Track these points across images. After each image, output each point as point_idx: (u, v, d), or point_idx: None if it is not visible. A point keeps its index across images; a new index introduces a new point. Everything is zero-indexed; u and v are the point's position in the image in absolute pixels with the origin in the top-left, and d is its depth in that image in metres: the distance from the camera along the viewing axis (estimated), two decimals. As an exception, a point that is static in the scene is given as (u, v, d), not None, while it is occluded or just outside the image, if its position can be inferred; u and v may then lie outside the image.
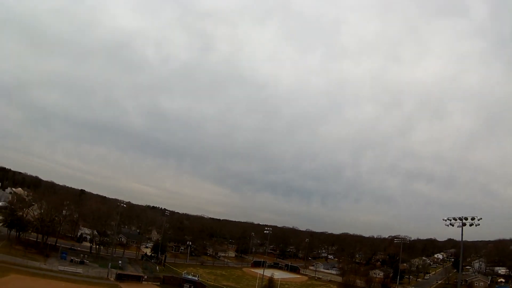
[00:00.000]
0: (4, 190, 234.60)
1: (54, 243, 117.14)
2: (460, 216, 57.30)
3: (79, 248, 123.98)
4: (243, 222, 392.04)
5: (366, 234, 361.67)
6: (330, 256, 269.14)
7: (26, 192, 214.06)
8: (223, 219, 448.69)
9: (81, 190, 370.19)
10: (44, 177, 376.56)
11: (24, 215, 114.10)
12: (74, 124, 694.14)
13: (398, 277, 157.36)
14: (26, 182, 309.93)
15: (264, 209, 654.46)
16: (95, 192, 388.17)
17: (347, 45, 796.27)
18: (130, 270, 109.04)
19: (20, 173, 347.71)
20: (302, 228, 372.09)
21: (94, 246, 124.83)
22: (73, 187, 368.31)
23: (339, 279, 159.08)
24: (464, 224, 56.75)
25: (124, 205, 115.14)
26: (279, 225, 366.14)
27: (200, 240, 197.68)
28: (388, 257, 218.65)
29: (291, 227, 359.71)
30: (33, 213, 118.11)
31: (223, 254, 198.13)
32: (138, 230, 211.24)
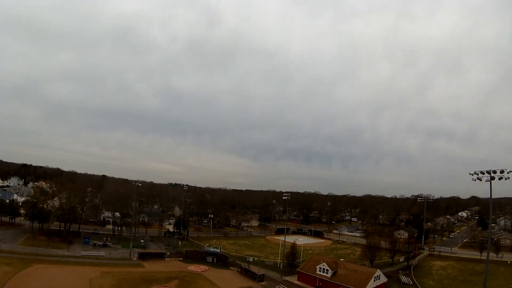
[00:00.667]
0: (26, 186, 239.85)
1: (77, 230, 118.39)
2: (488, 170, 51.67)
3: (101, 232, 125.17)
4: (265, 191, 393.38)
5: (389, 194, 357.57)
6: (353, 219, 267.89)
7: (48, 184, 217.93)
8: (245, 190, 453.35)
9: (103, 175, 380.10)
10: (65, 168, 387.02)
11: (45, 206, 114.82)
12: (90, 113, 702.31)
13: (423, 236, 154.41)
14: (48, 175, 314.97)
15: (285, 177, 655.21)
16: (117, 176, 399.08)
17: (356, 5, 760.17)
18: (153, 248, 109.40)
19: (41, 167, 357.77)
20: (324, 192, 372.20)
21: (116, 228, 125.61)
22: (94, 173, 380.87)
23: (363, 241, 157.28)
24: (492, 178, 51.16)
25: (139, 184, 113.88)
26: (301, 191, 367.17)
27: (223, 212, 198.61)
28: (412, 217, 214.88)
29: (312, 192, 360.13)
30: (53, 204, 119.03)
31: (246, 224, 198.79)
32: (160, 208, 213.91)
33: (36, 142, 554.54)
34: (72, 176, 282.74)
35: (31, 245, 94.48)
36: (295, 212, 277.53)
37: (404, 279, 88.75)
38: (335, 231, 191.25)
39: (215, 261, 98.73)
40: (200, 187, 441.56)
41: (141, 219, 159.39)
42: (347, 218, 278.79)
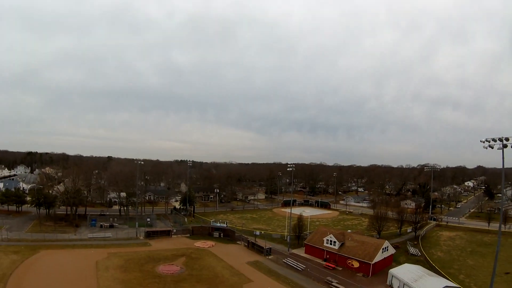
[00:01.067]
0: (32, 173, 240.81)
1: (84, 213, 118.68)
2: (501, 137, 48.44)
3: (108, 213, 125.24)
4: (271, 164, 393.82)
5: (395, 164, 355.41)
6: (360, 189, 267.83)
7: (54, 170, 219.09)
8: (251, 163, 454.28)
9: (108, 157, 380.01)
10: (71, 152, 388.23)
11: (51, 192, 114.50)
12: (93, 95, 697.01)
13: (431, 206, 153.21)
14: (54, 160, 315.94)
15: (291, 148, 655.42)
16: (122, 157, 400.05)
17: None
18: (160, 226, 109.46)
19: (47, 153, 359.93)
20: (330, 163, 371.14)
21: (122, 208, 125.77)
22: (101, 155, 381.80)
23: (370, 212, 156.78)
24: (505, 146, 48.10)
25: (142, 163, 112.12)
26: (307, 163, 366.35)
27: (229, 186, 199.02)
28: (418, 186, 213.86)
29: (318, 163, 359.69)
30: (58, 189, 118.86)
31: (252, 198, 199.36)
32: (166, 186, 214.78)
33: (41, 130, 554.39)
34: (78, 160, 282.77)
35: (38, 231, 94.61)
36: (301, 184, 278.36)
37: (412, 250, 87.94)
38: (341, 202, 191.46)
39: (222, 236, 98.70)
40: (206, 163, 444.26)
41: (147, 198, 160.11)
42: (353, 188, 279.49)
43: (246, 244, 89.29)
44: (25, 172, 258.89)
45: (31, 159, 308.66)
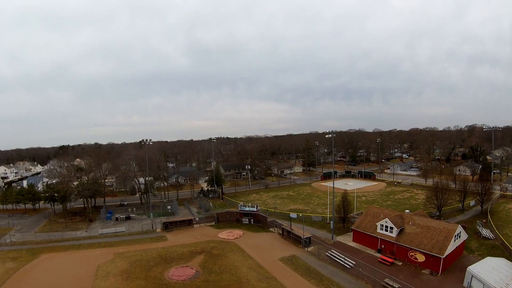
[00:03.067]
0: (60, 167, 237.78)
1: (102, 204, 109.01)
2: None
3: (126, 203, 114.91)
4: (307, 134, 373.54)
5: (433, 127, 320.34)
6: (404, 155, 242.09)
7: (85, 160, 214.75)
8: (286, 135, 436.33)
9: (140, 141, 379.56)
10: (105, 141, 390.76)
11: (65, 186, 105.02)
12: (123, 83, 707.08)
13: (492, 173, 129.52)
14: (87, 151, 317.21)
15: (326, 117, 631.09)
16: (156, 140, 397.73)
17: None
18: (183, 214, 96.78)
19: (79, 145, 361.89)
20: (368, 129, 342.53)
21: (143, 196, 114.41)
22: (133, 141, 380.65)
23: (421, 181, 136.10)
24: None
25: (151, 143, 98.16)
26: (344, 130, 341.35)
27: (262, 161, 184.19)
28: (471, 150, 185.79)
29: (357, 129, 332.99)
30: (82, 179, 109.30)
31: (289, 171, 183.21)
32: (197, 166, 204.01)
33: (76, 123, 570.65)
34: (110, 148, 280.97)
35: (49, 230, 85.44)
36: (340, 153, 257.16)
37: (484, 232, 67.81)
38: (387, 171, 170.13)
39: (252, 222, 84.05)
40: (240, 138, 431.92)
41: (174, 181, 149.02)
42: (397, 155, 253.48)
43: (281, 232, 73.77)
44: (52, 167, 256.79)
45: (64, 153, 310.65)
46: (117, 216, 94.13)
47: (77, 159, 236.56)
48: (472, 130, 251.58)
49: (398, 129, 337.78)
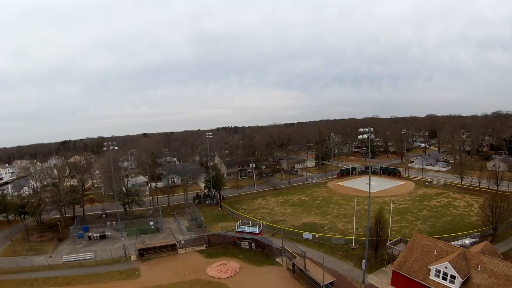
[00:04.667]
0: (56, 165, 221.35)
1: (82, 214, 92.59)
2: None
3: (106, 214, 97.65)
4: (318, 122, 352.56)
5: (445, 113, 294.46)
6: (423, 145, 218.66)
7: (84, 156, 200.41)
8: (297, 123, 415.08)
9: (144, 134, 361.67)
10: (111, 134, 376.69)
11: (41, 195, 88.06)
12: (131, 75, 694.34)
13: None
14: (89, 146, 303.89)
15: (335, 104, 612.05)
16: (161, 131, 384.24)
17: None
18: (168, 232, 78.73)
19: (81, 139, 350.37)
20: (380, 115, 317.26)
21: (127, 204, 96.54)
22: (139, 133, 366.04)
23: (454, 180, 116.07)
24: None
25: (116, 148, 79.53)
26: (359, 117, 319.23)
27: (270, 154, 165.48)
28: (505, 141, 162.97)
29: (371, 116, 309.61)
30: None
31: (300, 167, 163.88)
32: (199, 160, 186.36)
33: (85, 116, 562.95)
34: (114, 141, 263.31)
35: (12, 253, 69.14)
36: (355, 142, 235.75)
37: None
38: (411, 165, 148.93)
39: (253, 247, 65.45)
40: (249, 127, 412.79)
41: (170, 182, 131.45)
42: (417, 145, 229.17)
43: (291, 268, 54.98)
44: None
45: (65, 148, 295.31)
46: (90, 234, 76.72)
47: (76, 156, 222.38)
48: (498, 117, 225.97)
49: (410, 115, 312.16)
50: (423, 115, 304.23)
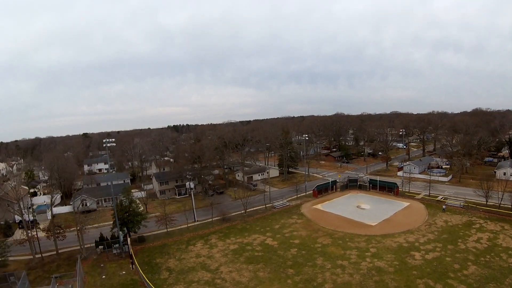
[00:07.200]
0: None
1: None
2: None
3: None
4: (277, 119, 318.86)
5: (401, 111, 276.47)
6: (400, 145, 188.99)
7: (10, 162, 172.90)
8: (253, 120, 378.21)
9: (84, 134, 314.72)
10: (60, 133, 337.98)
11: None
12: (85, 71, 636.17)
13: None
14: (22, 149, 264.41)
15: (292, 101, 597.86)
16: (116, 130, 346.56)
17: None
18: None
19: (16, 141, 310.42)
20: (340, 112, 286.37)
21: None
22: (98, 131, 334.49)
23: (467, 194, 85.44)
24: None
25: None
26: (315, 114, 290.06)
27: (221, 160, 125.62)
28: (508, 143, 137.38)
29: (336, 113, 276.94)
30: None
31: (259, 178, 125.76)
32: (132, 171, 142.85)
33: (39, 114, 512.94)
34: (51, 144, 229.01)
35: None
36: (324, 143, 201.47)
37: None
38: (400, 174, 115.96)
39: None
40: (202, 125, 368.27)
41: (82, 205, 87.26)
42: (397, 145, 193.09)
43: None
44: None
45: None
46: None
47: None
48: (477, 114, 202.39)
49: (369, 112, 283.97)
50: (377, 112, 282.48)
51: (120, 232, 64.77)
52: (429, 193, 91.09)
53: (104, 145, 65.14)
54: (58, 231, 64.19)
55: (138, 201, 77.63)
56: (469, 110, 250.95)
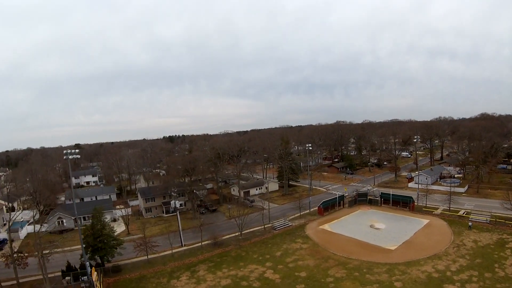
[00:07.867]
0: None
1: None
2: None
3: None
4: (275, 128, 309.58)
5: (402, 118, 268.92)
6: (404, 154, 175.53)
7: None
8: (250, 130, 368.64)
9: (76, 144, 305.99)
10: (55, 144, 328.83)
11: None
12: (82, 81, 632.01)
13: None
14: (12, 160, 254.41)
15: (289, 112, 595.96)
16: (114, 140, 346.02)
17: None
18: None
19: (7, 151, 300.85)
20: (331, 122, 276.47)
21: None
22: (93, 142, 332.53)
23: (488, 204, 75.20)
24: None
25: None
26: (312, 124, 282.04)
27: (215, 173, 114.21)
28: None
29: (333, 122, 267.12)
30: None
31: (257, 192, 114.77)
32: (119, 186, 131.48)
33: (35, 124, 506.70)
34: (43, 154, 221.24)
35: None
36: (324, 154, 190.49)
37: None
38: (411, 185, 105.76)
39: None
40: (197, 135, 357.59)
41: (58, 224, 75.69)
42: (403, 154, 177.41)
43: None
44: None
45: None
46: None
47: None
48: (487, 118, 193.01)
49: (367, 120, 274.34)
50: (376, 120, 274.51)
51: (88, 262, 53.41)
52: (449, 207, 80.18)
53: (64, 157, 54.02)
54: (19, 256, 53.19)
55: (115, 222, 66.46)
56: (467, 116, 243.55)
